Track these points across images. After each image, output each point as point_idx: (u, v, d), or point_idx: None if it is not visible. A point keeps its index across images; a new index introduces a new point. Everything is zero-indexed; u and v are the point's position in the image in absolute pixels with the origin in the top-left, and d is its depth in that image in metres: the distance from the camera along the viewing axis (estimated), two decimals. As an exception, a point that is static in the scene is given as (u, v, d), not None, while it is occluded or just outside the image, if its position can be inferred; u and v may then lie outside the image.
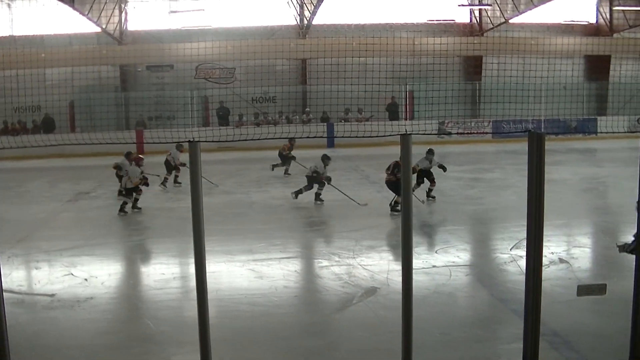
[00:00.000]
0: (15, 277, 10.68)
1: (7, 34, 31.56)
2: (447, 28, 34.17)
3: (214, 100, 31.66)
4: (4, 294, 6.04)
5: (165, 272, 11.00)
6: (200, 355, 5.59)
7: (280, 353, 7.64)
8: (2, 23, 31.80)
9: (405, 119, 31.19)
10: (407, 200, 5.55)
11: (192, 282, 9.98)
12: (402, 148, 5.53)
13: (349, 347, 7.82)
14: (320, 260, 11.73)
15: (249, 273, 10.86)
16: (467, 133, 32.20)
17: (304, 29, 33.35)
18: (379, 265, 10.99)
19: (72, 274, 10.80)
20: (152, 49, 30.57)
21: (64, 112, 29.10)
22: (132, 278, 11.18)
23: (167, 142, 13.96)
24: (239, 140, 16.22)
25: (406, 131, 5.75)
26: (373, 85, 21.51)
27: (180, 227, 13.96)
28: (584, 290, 6.46)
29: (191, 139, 5.05)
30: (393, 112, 32.17)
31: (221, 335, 7.42)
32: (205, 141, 5.93)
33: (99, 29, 30.36)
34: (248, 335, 8.26)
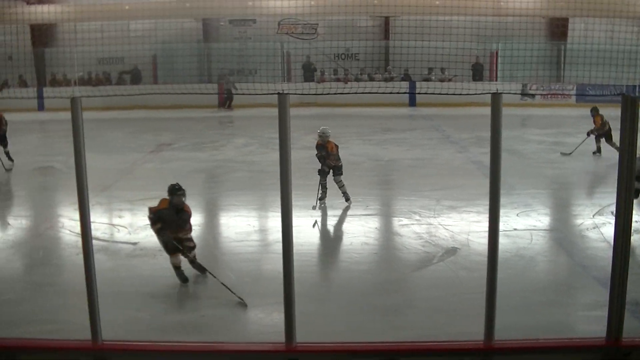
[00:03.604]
0: (99, 225, 10.83)
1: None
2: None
3: (297, 54, 31.59)
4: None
5: (245, 225, 11.08)
6: (284, 305, 5.63)
7: (358, 309, 7.61)
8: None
9: (490, 80, 30.57)
10: (496, 162, 5.38)
11: (271, 236, 10.06)
12: (492, 108, 5.36)
13: (427, 306, 7.75)
14: (400, 218, 11.59)
15: (329, 229, 10.82)
16: (551, 94, 31.33)
17: (388, -14, 32.84)
18: (459, 226, 10.77)
19: (155, 224, 10.92)
20: (235, 3, 30.57)
21: (147, 62, 29.48)
22: (213, 230, 11.24)
23: (249, 94, 13.91)
24: (327, 94, 15.89)
25: (497, 90, 5.56)
26: (457, 43, 21.12)
27: (261, 181, 14.02)
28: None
29: (280, 91, 4.97)
30: (477, 72, 31.59)
31: (300, 289, 7.41)
32: (295, 93, 5.86)
33: (184, -18, 30.45)
34: (327, 290, 8.26)
